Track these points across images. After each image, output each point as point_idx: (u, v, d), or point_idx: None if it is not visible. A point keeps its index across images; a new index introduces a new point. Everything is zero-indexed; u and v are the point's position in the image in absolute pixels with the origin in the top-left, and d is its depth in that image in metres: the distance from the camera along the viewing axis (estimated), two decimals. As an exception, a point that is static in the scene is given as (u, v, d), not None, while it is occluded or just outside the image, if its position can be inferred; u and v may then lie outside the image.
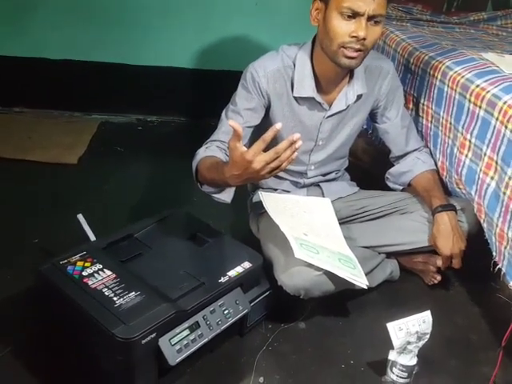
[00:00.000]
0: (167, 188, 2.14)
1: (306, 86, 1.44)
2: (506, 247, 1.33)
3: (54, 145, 2.36)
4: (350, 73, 1.47)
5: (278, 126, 1.03)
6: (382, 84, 1.55)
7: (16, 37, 2.52)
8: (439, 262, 1.56)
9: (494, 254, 1.39)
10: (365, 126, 1.83)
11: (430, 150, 1.69)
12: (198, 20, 2.54)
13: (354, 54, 1.32)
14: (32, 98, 2.65)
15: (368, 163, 2.16)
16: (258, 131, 1.42)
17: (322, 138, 1.56)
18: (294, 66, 1.44)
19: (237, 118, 1.44)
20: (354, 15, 1.28)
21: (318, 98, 1.46)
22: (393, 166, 1.70)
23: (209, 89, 2.65)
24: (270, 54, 1.47)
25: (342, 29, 1.30)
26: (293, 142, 1.03)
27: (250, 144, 1.44)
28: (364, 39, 1.29)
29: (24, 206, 1.94)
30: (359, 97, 1.51)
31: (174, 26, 2.55)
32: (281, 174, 1.62)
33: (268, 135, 1.05)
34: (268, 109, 1.49)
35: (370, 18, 1.28)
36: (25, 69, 2.57)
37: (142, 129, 2.68)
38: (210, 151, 1.38)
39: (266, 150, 1.54)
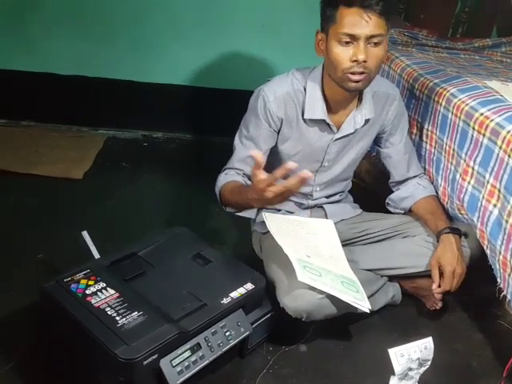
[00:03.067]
0: (172, 205, 2.15)
1: (317, 109, 1.47)
2: (510, 274, 1.33)
3: (61, 159, 2.38)
4: (358, 97, 1.49)
5: (290, 165, 1.10)
6: (388, 110, 1.57)
7: (25, 51, 2.55)
8: (434, 286, 1.57)
9: (498, 280, 1.39)
10: (368, 149, 1.85)
11: (433, 175, 1.70)
12: (204, 39, 2.57)
13: (359, 78, 1.35)
14: (40, 112, 2.67)
15: (371, 184, 2.17)
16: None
17: (328, 160, 1.58)
18: (305, 89, 1.47)
19: (251, 145, 1.49)
20: (352, 40, 1.31)
21: (329, 120, 1.49)
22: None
23: (214, 107, 2.68)
24: (279, 78, 1.50)
25: (343, 55, 1.33)
26: (287, 170, 1.11)
27: (265, 164, 1.51)
28: (365, 61, 1.31)
29: (29, 220, 1.95)
30: (367, 121, 1.53)
31: (180, 44, 2.57)
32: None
33: (279, 172, 1.12)
34: (278, 131, 1.51)
35: (368, 40, 1.31)
36: (33, 83, 2.60)
37: (147, 145, 2.70)
38: (230, 176, 1.48)
39: (273, 169, 1.57)
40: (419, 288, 1.65)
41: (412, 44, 2.26)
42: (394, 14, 1.38)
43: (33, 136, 2.59)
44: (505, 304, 1.36)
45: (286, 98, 1.46)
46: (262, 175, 1.14)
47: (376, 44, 1.32)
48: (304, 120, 1.49)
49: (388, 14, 1.31)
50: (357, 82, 1.35)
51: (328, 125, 1.50)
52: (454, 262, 1.47)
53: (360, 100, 1.51)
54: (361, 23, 1.28)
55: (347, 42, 1.31)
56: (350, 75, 1.34)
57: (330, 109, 1.49)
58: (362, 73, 1.34)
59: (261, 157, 1.13)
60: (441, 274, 1.50)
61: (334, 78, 1.39)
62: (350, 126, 1.52)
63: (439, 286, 1.50)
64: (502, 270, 1.36)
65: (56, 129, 2.67)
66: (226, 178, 1.48)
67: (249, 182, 1.50)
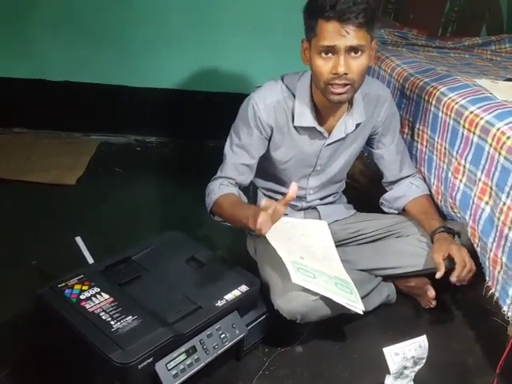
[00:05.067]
0: (165, 209, 2.15)
1: (307, 116, 1.47)
2: (499, 272, 1.34)
3: (53, 166, 2.37)
4: (348, 101, 1.48)
5: (294, 186, 1.17)
6: (379, 111, 1.58)
7: (16, 58, 2.55)
8: (431, 293, 1.57)
9: (487, 278, 1.40)
10: (361, 150, 1.85)
11: (425, 174, 1.71)
12: (196, 43, 2.58)
13: (341, 90, 1.34)
14: (32, 118, 2.67)
15: (365, 185, 2.17)
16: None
17: (321, 164, 1.58)
18: (294, 96, 1.46)
19: (242, 153, 1.49)
20: (332, 52, 1.30)
21: (319, 127, 1.49)
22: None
23: (207, 110, 2.68)
24: (269, 85, 1.50)
25: (324, 68, 1.32)
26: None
27: (258, 168, 1.53)
28: (346, 74, 1.30)
29: (22, 226, 1.95)
30: (358, 125, 1.53)
31: (172, 48, 2.58)
32: (280, 197, 1.64)
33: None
34: (269, 139, 1.51)
35: (348, 52, 1.29)
36: (25, 90, 2.59)
37: (140, 150, 2.70)
38: (225, 188, 1.48)
39: (265, 174, 1.58)
40: (413, 287, 1.66)
41: (402, 44, 2.27)
42: (375, 22, 1.35)
43: (25, 143, 2.59)
44: (494, 301, 1.36)
45: (276, 106, 1.46)
46: (262, 217, 1.17)
47: (357, 54, 1.31)
48: (294, 127, 1.49)
49: (369, 24, 1.29)
50: (339, 94, 1.35)
51: (319, 132, 1.50)
52: (457, 247, 1.44)
53: (351, 104, 1.50)
54: (339, 37, 1.27)
55: (327, 53, 1.30)
56: (330, 87, 1.34)
57: (320, 115, 1.49)
58: (345, 85, 1.33)
59: (269, 206, 1.18)
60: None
61: (319, 89, 1.39)
62: (340, 131, 1.52)
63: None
64: (491, 268, 1.36)
65: (48, 135, 2.67)
66: (221, 190, 1.47)
67: (242, 194, 1.51)
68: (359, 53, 1.30)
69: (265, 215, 1.18)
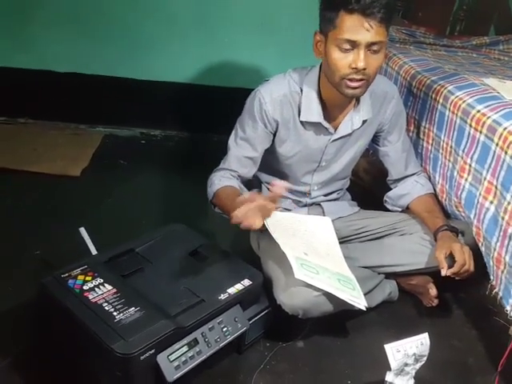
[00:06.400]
0: (169, 202, 2.15)
1: (313, 111, 1.46)
2: (503, 271, 1.34)
3: (58, 157, 2.38)
4: (356, 97, 1.48)
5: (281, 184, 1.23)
6: (386, 108, 1.57)
7: (22, 49, 2.55)
8: (433, 291, 1.57)
9: (491, 277, 1.40)
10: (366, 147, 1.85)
11: (430, 173, 1.70)
12: (202, 37, 2.57)
13: (357, 84, 1.33)
14: (37, 109, 2.67)
15: (369, 183, 2.17)
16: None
17: (326, 160, 1.58)
18: (301, 91, 1.46)
19: (246, 146, 1.49)
20: (352, 46, 1.29)
21: (325, 123, 1.48)
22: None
23: (212, 105, 2.68)
24: (276, 78, 1.49)
25: (342, 61, 1.31)
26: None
27: (262, 163, 1.54)
28: (364, 69, 1.30)
29: (26, 217, 1.95)
30: (364, 121, 1.53)
31: (178, 41, 2.58)
32: (284, 192, 1.64)
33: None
34: (274, 133, 1.51)
35: (368, 47, 1.29)
36: (31, 80, 2.59)
37: (145, 142, 2.70)
38: (226, 180, 1.48)
39: (270, 169, 1.59)
40: (416, 285, 1.65)
41: (410, 42, 2.26)
42: (393, 19, 1.35)
43: (31, 134, 2.59)
44: (497, 300, 1.36)
45: (283, 100, 1.46)
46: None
47: (376, 51, 1.30)
48: (301, 122, 1.49)
49: (389, 21, 1.29)
50: (354, 88, 1.34)
51: (325, 127, 1.50)
52: (459, 245, 1.44)
53: (357, 100, 1.50)
54: (362, 30, 1.26)
55: (347, 49, 1.29)
56: (348, 82, 1.33)
57: (326, 110, 1.48)
58: (361, 79, 1.33)
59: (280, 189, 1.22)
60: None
61: (332, 82, 1.38)
62: (347, 127, 1.51)
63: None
64: (495, 267, 1.36)
65: (54, 126, 2.67)
66: (221, 181, 1.48)
67: (243, 187, 1.52)
68: (378, 49, 1.30)
69: (245, 209, 1.19)
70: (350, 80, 1.33)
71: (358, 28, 1.26)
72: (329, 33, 1.32)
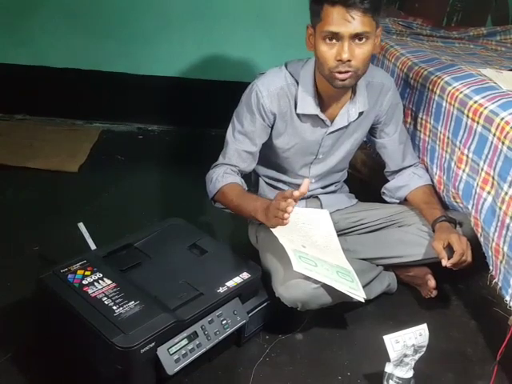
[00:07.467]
0: (167, 197, 2.16)
1: (310, 104, 1.46)
2: (501, 261, 1.34)
3: (56, 153, 2.37)
4: (352, 89, 1.48)
5: (306, 182, 1.23)
6: (383, 100, 1.57)
7: (18, 45, 2.54)
8: (432, 283, 1.57)
9: (490, 267, 1.40)
10: (364, 139, 1.85)
11: (427, 164, 1.70)
12: (198, 31, 2.57)
13: (344, 76, 1.33)
14: (34, 105, 2.67)
15: (367, 175, 2.17)
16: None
17: (323, 152, 1.58)
18: (297, 83, 1.46)
19: (245, 140, 1.49)
20: (337, 38, 1.29)
21: (321, 115, 1.48)
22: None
23: (209, 99, 2.67)
24: (273, 71, 1.49)
25: (328, 54, 1.31)
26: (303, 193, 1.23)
27: (260, 156, 1.54)
28: (349, 60, 1.30)
29: (24, 213, 1.95)
30: (361, 113, 1.53)
31: (175, 36, 2.57)
32: (281, 186, 1.65)
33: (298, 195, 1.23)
34: (272, 126, 1.51)
35: (353, 38, 1.29)
36: (27, 76, 2.59)
37: (142, 138, 2.70)
38: (229, 176, 1.48)
39: (267, 162, 1.59)
40: (414, 277, 1.66)
41: (406, 33, 2.26)
42: (381, 8, 1.34)
43: (27, 130, 2.59)
44: (497, 291, 1.36)
45: (280, 93, 1.46)
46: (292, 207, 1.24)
47: (362, 41, 1.30)
48: (297, 114, 1.49)
49: (375, 10, 1.28)
50: (343, 80, 1.34)
51: (321, 119, 1.50)
52: (457, 235, 1.44)
53: (354, 92, 1.50)
54: (344, 22, 1.26)
55: (331, 39, 1.30)
56: (336, 74, 1.33)
57: (322, 102, 1.48)
58: (347, 71, 1.33)
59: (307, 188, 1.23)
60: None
61: (322, 75, 1.38)
62: (343, 119, 1.51)
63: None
64: (494, 258, 1.37)
65: (51, 122, 2.67)
66: (225, 178, 1.48)
67: (244, 182, 1.52)
68: (364, 40, 1.30)
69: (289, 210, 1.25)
70: (338, 72, 1.33)
71: (340, 20, 1.26)
72: (316, 26, 1.33)
